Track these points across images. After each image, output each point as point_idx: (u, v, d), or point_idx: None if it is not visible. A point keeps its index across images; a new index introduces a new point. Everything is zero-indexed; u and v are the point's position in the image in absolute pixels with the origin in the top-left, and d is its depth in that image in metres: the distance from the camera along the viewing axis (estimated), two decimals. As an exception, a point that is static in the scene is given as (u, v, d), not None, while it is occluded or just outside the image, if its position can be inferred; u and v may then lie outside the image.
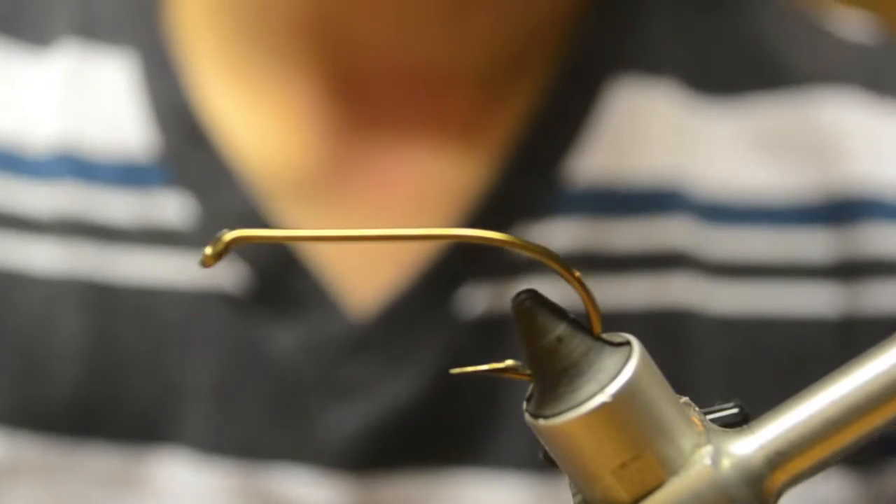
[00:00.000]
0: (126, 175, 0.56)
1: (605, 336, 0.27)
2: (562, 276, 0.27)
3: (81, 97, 0.57)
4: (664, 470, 0.26)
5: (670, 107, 0.57)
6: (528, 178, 0.55)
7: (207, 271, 0.52)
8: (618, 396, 0.26)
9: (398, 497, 0.54)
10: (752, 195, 0.57)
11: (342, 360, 0.54)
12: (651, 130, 0.57)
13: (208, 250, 0.26)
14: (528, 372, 0.27)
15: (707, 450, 0.27)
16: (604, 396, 0.26)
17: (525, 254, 0.27)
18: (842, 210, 0.57)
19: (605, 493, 0.27)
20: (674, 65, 0.57)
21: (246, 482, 0.54)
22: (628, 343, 0.27)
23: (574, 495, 0.28)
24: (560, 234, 0.55)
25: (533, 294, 0.27)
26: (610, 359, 0.26)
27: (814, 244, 0.56)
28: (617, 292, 0.55)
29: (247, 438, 0.54)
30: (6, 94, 0.57)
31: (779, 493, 0.27)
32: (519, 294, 0.27)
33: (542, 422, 0.26)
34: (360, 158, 0.56)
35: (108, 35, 0.57)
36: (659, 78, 0.57)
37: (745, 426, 0.28)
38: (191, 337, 0.54)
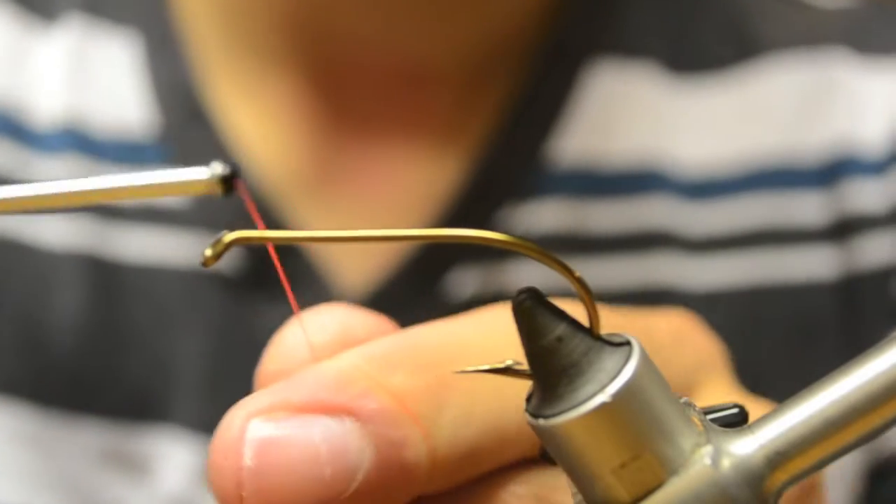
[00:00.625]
0: (127, 153, 0.56)
1: (606, 336, 0.27)
2: (563, 275, 0.27)
3: (85, 73, 0.57)
4: (664, 470, 0.26)
5: (649, 89, 0.57)
6: (512, 161, 0.56)
7: (202, 251, 0.53)
8: (617, 396, 0.26)
9: None
10: (738, 166, 0.57)
11: None
12: (630, 113, 0.57)
13: (208, 251, 0.26)
14: (528, 372, 0.27)
15: (707, 450, 0.27)
16: (603, 396, 0.26)
17: (523, 253, 0.27)
18: (829, 170, 0.57)
19: (604, 492, 0.26)
20: (651, 47, 0.58)
21: None
22: (628, 343, 0.27)
23: (574, 495, 0.28)
24: (545, 214, 0.56)
25: (533, 293, 0.26)
26: (610, 359, 0.26)
27: (806, 207, 0.57)
28: (600, 273, 0.55)
29: None
30: (14, 65, 0.58)
31: (779, 493, 0.27)
32: (519, 293, 0.26)
33: (541, 421, 0.26)
34: (345, 155, 0.56)
35: (112, 13, 0.58)
36: (637, 60, 0.57)
37: (745, 426, 0.28)
38: (185, 317, 0.55)
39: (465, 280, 0.55)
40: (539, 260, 0.27)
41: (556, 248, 0.55)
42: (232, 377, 0.54)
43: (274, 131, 0.56)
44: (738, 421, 0.29)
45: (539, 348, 0.26)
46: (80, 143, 0.56)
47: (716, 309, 0.55)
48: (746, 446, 0.27)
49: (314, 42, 0.56)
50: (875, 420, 0.27)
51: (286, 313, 0.54)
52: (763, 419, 0.28)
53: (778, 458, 0.27)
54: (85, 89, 0.57)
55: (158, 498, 0.55)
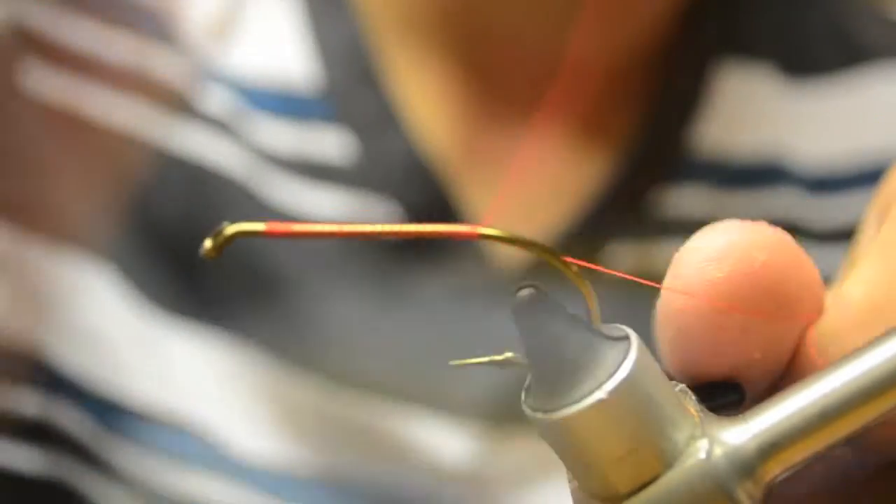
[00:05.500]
0: (287, 105, 0.56)
1: (605, 330, 0.27)
2: (564, 272, 0.27)
3: (243, 25, 0.56)
4: (659, 463, 0.27)
5: (768, 88, 0.60)
6: (656, 150, 0.58)
7: (363, 212, 0.53)
8: (615, 393, 0.26)
9: (528, 449, 0.54)
10: (855, 162, 0.59)
11: (487, 309, 0.54)
12: (753, 110, 0.60)
13: (208, 243, 0.26)
14: (527, 364, 0.27)
15: (702, 443, 0.27)
16: (601, 393, 0.26)
17: (524, 250, 0.27)
18: None
19: (601, 485, 0.27)
20: (770, 50, 0.60)
21: (376, 421, 0.54)
22: (627, 337, 0.27)
23: (570, 482, 0.28)
24: (690, 199, 0.58)
25: (532, 289, 0.27)
26: (608, 354, 0.27)
27: None
28: None
29: (383, 378, 0.54)
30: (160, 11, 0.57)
31: (771, 482, 0.28)
32: (518, 288, 0.27)
33: (539, 415, 0.27)
34: (500, 140, 0.56)
35: None
36: (757, 61, 0.59)
37: (739, 416, 0.28)
38: (335, 277, 0.54)
39: (620, 255, 0.55)
40: (537, 254, 0.27)
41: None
42: (379, 336, 0.54)
43: (436, 107, 0.56)
44: (736, 401, 0.30)
45: (538, 343, 0.27)
46: (236, 90, 0.55)
47: None
48: (739, 436, 0.28)
49: (470, 34, 0.57)
50: (869, 412, 0.28)
51: (443, 281, 0.55)
52: (757, 408, 0.28)
53: (770, 448, 0.28)
54: (242, 40, 0.56)
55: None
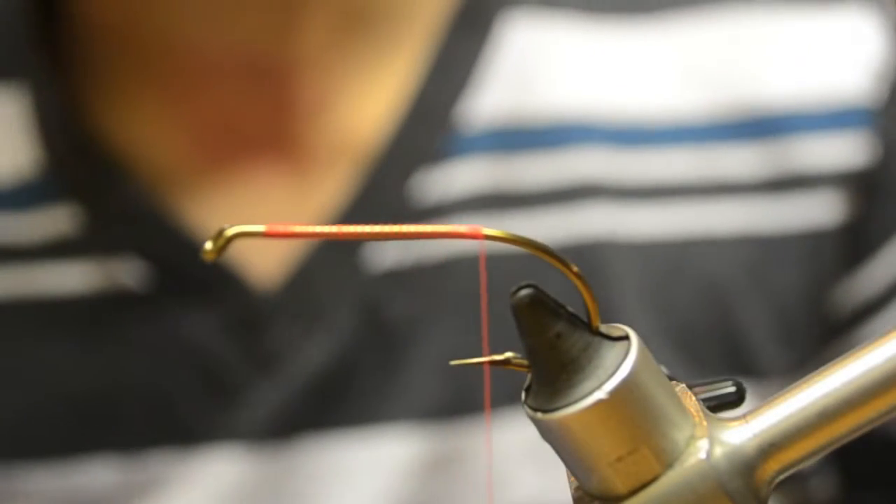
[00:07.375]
0: (22, 196, 0.56)
1: (604, 330, 0.27)
2: (563, 271, 0.27)
3: None
4: (659, 463, 0.27)
5: (571, 36, 0.56)
6: (423, 126, 0.55)
7: (105, 275, 0.54)
8: (615, 393, 0.26)
9: (319, 460, 0.54)
10: (670, 115, 0.57)
11: (258, 334, 0.54)
12: (552, 63, 0.56)
13: (209, 245, 0.26)
14: (527, 364, 0.27)
15: (702, 443, 0.27)
16: (601, 394, 0.26)
17: (524, 250, 0.27)
18: (764, 124, 0.57)
19: (601, 484, 0.27)
20: None
21: (176, 470, 0.54)
22: (627, 337, 0.27)
23: (570, 481, 0.28)
24: (461, 176, 0.55)
25: (532, 290, 0.27)
26: (608, 354, 0.27)
27: (736, 161, 0.56)
28: (529, 229, 0.55)
29: (180, 426, 0.54)
30: None
31: (770, 482, 0.28)
32: (518, 289, 0.27)
33: (539, 415, 0.27)
34: (222, 162, 0.56)
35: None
36: (555, 8, 0.57)
37: (739, 416, 0.28)
38: (109, 341, 0.55)
39: (381, 251, 0.54)
40: (538, 254, 0.27)
41: (478, 207, 0.55)
42: (167, 388, 0.54)
43: (164, 139, 0.56)
44: (734, 399, 0.30)
45: (538, 344, 0.27)
46: None
47: (650, 258, 0.55)
48: (740, 436, 0.28)
49: (159, 51, 0.55)
50: (868, 413, 0.28)
51: (204, 317, 0.54)
52: (758, 409, 0.28)
53: (771, 448, 0.28)
54: None
55: None
